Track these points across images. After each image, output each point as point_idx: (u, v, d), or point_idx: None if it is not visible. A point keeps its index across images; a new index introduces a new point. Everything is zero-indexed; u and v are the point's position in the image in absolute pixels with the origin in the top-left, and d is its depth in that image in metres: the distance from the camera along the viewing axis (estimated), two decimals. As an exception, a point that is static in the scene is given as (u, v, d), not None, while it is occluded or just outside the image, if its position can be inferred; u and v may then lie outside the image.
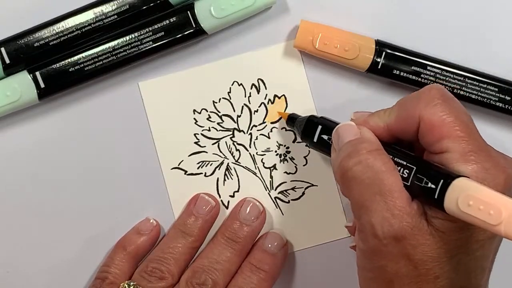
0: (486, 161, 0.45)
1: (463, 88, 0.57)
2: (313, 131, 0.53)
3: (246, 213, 0.59)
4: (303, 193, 0.60)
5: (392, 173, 0.46)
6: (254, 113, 0.60)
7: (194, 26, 0.57)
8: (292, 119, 0.57)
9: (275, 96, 0.60)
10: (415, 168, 0.46)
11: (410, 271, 0.45)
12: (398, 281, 0.46)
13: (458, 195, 0.42)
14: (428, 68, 0.57)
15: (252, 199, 0.59)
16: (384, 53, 0.57)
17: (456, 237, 0.45)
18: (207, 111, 0.60)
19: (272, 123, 0.60)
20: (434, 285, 0.46)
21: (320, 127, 0.53)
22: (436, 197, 0.44)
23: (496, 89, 0.57)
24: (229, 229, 0.58)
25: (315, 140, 0.53)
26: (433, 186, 0.44)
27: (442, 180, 0.44)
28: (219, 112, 0.60)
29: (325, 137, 0.52)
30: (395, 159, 0.47)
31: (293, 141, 0.60)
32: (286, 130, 0.60)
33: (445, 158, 0.46)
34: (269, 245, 0.58)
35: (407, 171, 0.46)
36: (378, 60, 0.57)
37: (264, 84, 0.60)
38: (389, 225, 0.45)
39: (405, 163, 0.47)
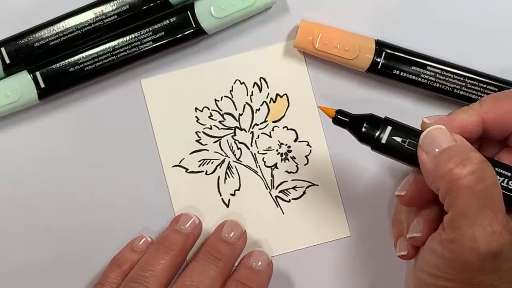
0: None
1: (463, 88, 0.57)
2: (377, 131, 0.49)
3: (229, 232, 0.58)
4: (304, 193, 0.60)
5: (498, 186, 0.45)
6: (256, 112, 0.60)
7: (194, 26, 0.58)
8: (342, 117, 0.50)
9: (277, 95, 0.60)
10: None
11: (494, 280, 0.45)
12: None
13: None
14: (428, 68, 0.57)
15: (235, 220, 0.59)
16: (384, 53, 0.57)
17: None
18: (209, 109, 0.60)
19: (273, 122, 0.60)
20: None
21: (390, 127, 0.49)
22: None
23: (496, 89, 0.57)
24: (211, 247, 0.58)
25: (383, 141, 0.49)
26: None
27: None
28: (221, 111, 0.60)
29: (397, 139, 0.48)
30: (501, 170, 0.47)
31: (295, 140, 0.60)
32: (288, 129, 0.60)
33: None
34: (254, 264, 0.58)
35: (507, 180, 0.46)
36: (378, 60, 0.57)
37: (266, 83, 0.60)
38: (491, 241, 0.44)
39: (506, 172, 0.46)
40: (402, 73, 0.57)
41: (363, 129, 0.49)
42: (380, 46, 0.57)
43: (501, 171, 0.47)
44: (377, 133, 0.49)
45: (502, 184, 0.46)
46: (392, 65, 0.57)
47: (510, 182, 0.46)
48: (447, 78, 0.57)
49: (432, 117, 0.50)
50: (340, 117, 0.50)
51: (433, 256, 0.47)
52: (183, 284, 0.56)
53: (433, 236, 0.48)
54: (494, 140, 0.50)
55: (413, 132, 0.48)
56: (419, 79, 0.57)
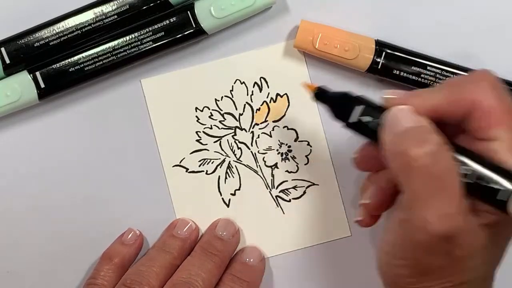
0: None
1: (463, 88, 0.57)
2: (350, 110, 0.48)
3: (223, 230, 0.59)
4: (304, 192, 0.60)
5: (455, 170, 0.44)
6: (256, 111, 0.60)
7: (194, 26, 0.58)
8: (321, 94, 0.50)
9: (277, 94, 0.60)
10: (477, 166, 0.45)
11: (445, 264, 0.45)
12: (430, 273, 0.46)
13: None
14: (428, 68, 0.57)
15: (228, 218, 0.60)
16: (384, 53, 0.57)
17: (496, 232, 0.45)
18: (209, 109, 0.60)
19: (274, 121, 0.60)
20: (461, 276, 0.45)
21: (360, 107, 0.48)
22: (498, 198, 0.43)
23: (496, 89, 0.57)
24: (207, 243, 0.58)
25: (352, 120, 0.48)
26: (497, 187, 0.44)
27: (509, 182, 0.43)
28: (221, 110, 0.60)
29: (366, 118, 0.48)
30: (458, 155, 0.46)
31: (295, 140, 0.60)
32: (288, 129, 0.60)
33: (492, 146, 0.45)
34: (247, 259, 0.59)
35: (468, 168, 0.45)
36: (378, 60, 0.57)
37: (267, 82, 0.60)
38: (443, 223, 0.43)
39: (466, 160, 0.45)
40: (402, 73, 0.57)
41: (337, 107, 0.49)
42: (380, 46, 0.57)
43: (460, 157, 0.46)
44: (349, 112, 0.48)
45: (463, 172, 0.45)
46: (392, 65, 0.57)
47: (469, 168, 0.45)
48: (447, 78, 0.57)
49: (393, 92, 0.49)
50: (319, 93, 0.50)
51: (389, 234, 0.47)
52: (181, 277, 0.56)
53: (390, 214, 0.48)
54: (452, 124, 0.48)
55: (381, 111, 0.48)
56: (419, 79, 0.57)
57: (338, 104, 0.49)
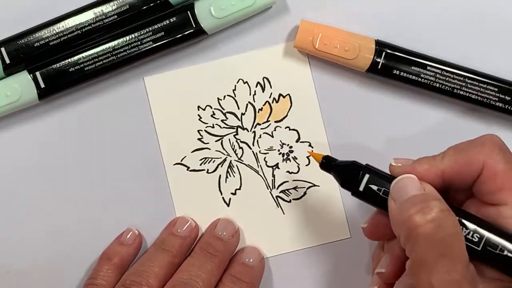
0: None
1: (463, 88, 0.57)
2: (357, 179, 0.49)
3: (223, 230, 0.59)
4: (305, 193, 0.60)
5: (460, 236, 0.45)
6: (258, 111, 0.60)
7: (194, 26, 0.58)
8: (328, 163, 0.51)
9: (280, 95, 0.60)
10: (485, 232, 0.46)
11: None
12: None
13: None
14: (428, 68, 0.57)
15: (228, 218, 0.60)
16: (384, 53, 0.57)
17: None
18: (211, 107, 0.60)
19: (276, 122, 0.60)
20: None
21: (367, 176, 0.49)
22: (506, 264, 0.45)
23: (496, 89, 0.57)
24: (207, 243, 0.58)
25: (361, 189, 0.49)
26: (505, 253, 0.45)
27: None
28: (224, 109, 0.60)
29: (374, 187, 0.49)
30: (465, 221, 0.46)
31: (297, 141, 0.60)
32: (290, 129, 0.60)
33: (501, 210, 0.46)
34: (246, 259, 0.59)
35: (478, 236, 0.46)
36: (378, 60, 0.57)
37: (270, 82, 0.60)
38: None
39: (475, 227, 0.46)
40: (402, 73, 0.57)
41: (344, 176, 0.50)
42: (380, 46, 0.57)
43: (466, 222, 0.46)
44: (356, 181, 0.49)
45: (467, 236, 0.46)
46: (392, 65, 0.57)
47: (475, 234, 0.46)
48: (447, 78, 0.57)
49: (400, 160, 0.50)
50: (325, 162, 0.51)
51: None
52: (181, 278, 0.56)
53: (400, 280, 0.48)
54: (462, 189, 0.49)
55: (388, 180, 0.49)
56: (419, 79, 0.57)
57: (345, 173, 0.50)
